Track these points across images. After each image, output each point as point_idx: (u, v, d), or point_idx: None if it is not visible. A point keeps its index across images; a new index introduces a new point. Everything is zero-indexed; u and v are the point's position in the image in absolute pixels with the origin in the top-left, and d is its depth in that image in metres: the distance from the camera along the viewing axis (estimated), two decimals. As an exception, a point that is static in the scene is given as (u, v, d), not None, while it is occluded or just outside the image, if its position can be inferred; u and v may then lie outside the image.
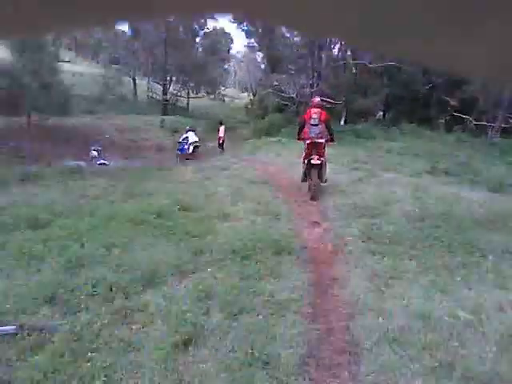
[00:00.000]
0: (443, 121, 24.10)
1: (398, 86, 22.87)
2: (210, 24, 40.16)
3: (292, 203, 8.11)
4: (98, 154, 16.60)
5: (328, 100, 21.01)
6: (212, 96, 41.23)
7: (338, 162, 11.69)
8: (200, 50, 39.85)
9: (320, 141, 8.09)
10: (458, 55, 0.28)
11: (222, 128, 16.93)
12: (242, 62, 55.00)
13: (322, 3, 0.26)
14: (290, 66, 27.13)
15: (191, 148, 16.15)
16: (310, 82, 23.81)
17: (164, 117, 29.45)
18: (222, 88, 45.96)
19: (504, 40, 0.26)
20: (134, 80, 35.50)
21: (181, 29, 36.61)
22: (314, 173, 8.07)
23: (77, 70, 37.34)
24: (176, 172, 11.60)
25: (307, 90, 23.26)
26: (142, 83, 38.82)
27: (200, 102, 41.56)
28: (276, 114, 25.06)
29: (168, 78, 36.28)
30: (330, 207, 7.76)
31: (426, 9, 0.25)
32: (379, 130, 20.44)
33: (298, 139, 8.62)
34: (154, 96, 36.92)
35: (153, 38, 35.29)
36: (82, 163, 13.34)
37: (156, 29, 34.27)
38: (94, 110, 30.02)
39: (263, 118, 25.40)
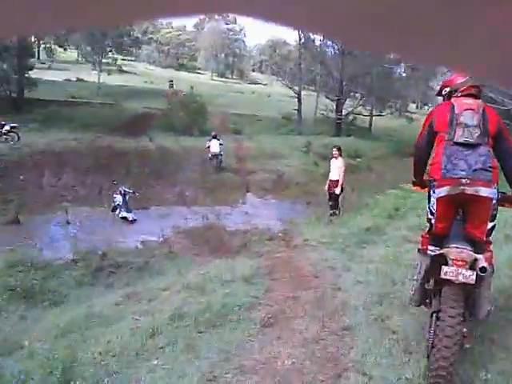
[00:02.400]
0: None
1: None
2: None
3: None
4: (123, 200, 13.22)
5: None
6: (397, 114, 36.19)
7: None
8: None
9: (483, 194, 3.38)
10: (459, 55, 0.30)
11: (336, 162, 10.50)
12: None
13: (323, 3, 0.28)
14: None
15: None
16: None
17: (326, 138, 26.02)
18: (426, 107, 40.64)
19: (503, 39, 0.28)
20: (299, 95, 32.97)
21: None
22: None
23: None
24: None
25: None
26: (308, 99, 36.22)
27: (384, 121, 37.02)
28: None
29: (342, 93, 32.74)
30: None
31: (428, 9, 0.27)
32: None
33: (416, 185, 4.28)
34: (326, 113, 33.78)
35: (325, 45, 32.55)
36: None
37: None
38: (243, 131, 28.55)
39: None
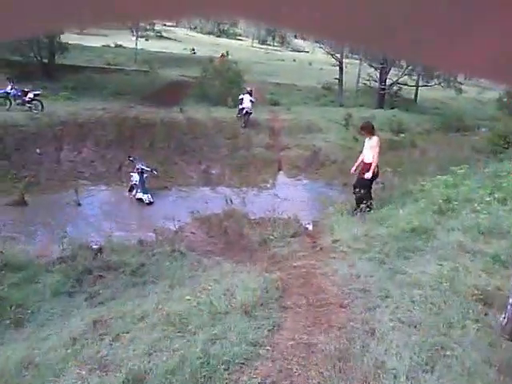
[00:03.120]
0: None
1: None
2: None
3: None
4: (140, 180, 11.81)
5: None
6: (445, 85, 33.37)
7: None
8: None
9: None
10: (458, 54, 0.30)
11: (369, 141, 8.61)
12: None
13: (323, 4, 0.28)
14: None
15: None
16: None
17: (355, 111, 23.99)
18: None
19: (501, 39, 0.28)
20: (341, 63, 30.69)
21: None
22: None
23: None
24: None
25: None
26: (351, 68, 33.87)
27: (431, 92, 34.35)
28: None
29: (386, 61, 30.24)
30: None
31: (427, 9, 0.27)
32: None
33: None
34: (369, 83, 31.45)
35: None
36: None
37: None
38: (281, 101, 26.80)
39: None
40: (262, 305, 4.38)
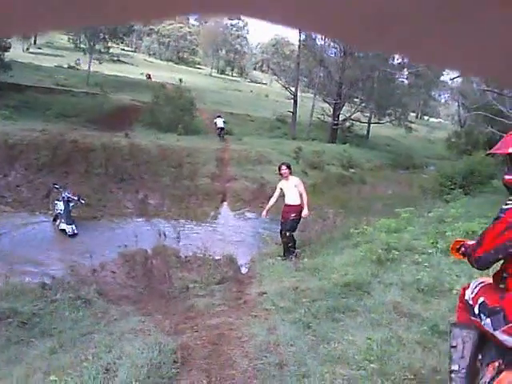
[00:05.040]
0: None
1: None
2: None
3: None
4: (65, 209, 10.64)
5: None
6: (396, 123, 33.78)
7: None
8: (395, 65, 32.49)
9: None
10: (457, 54, 0.30)
11: (288, 182, 8.10)
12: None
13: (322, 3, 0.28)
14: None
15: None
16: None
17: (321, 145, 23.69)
18: (426, 117, 38.70)
19: (499, 38, 0.28)
20: (295, 96, 30.51)
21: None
22: None
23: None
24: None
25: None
26: (306, 101, 33.91)
27: (382, 129, 34.70)
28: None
29: (340, 97, 30.28)
30: None
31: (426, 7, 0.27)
32: None
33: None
34: (322, 118, 31.37)
35: (327, 45, 30.11)
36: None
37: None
38: (233, 131, 26.21)
39: (470, 155, 17.54)
40: (149, 387, 3.45)
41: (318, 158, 21.79)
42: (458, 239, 2.93)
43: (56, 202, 10.92)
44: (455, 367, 2.52)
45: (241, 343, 4.41)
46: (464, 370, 2.49)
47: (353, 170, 23.16)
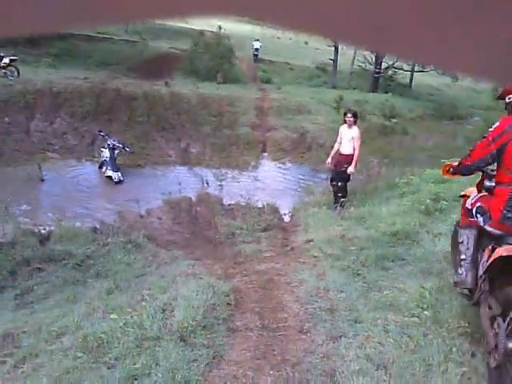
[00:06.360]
0: None
1: None
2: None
3: None
4: (111, 156, 10.87)
5: None
6: (441, 72, 32.36)
7: None
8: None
9: None
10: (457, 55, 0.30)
11: (349, 130, 7.75)
12: None
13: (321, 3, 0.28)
14: None
15: None
16: None
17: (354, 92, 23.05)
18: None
19: (498, 39, 0.28)
20: (336, 44, 29.49)
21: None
22: None
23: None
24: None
25: None
26: (345, 49, 32.73)
27: (426, 78, 33.35)
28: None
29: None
30: None
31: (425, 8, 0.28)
32: None
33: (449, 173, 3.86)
34: (364, 66, 30.37)
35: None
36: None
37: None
38: (272, 80, 25.73)
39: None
40: (204, 327, 3.55)
41: (359, 107, 21.23)
42: (447, 162, 3.88)
43: (102, 149, 11.12)
44: (463, 256, 3.43)
45: (291, 288, 4.47)
46: (470, 258, 3.39)
47: (395, 120, 22.49)
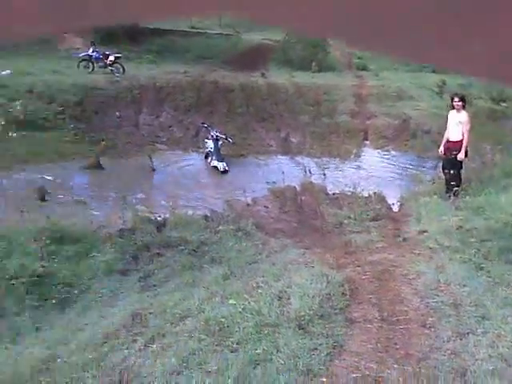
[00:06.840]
0: None
1: None
2: None
3: None
4: (215, 147, 11.06)
5: None
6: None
7: None
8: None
9: None
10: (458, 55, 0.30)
11: (458, 115, 7.41)
12: None
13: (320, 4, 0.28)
14: None
15: None
16: None
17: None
18: None
19: (499, 39, 0.28)
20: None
21: None
22: None
23: None
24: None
25: None
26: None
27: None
28: None
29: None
30: None
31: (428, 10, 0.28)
32: None
33: None
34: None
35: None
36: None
37: None
38: (369, 66, 24.97)
39: None
40: (321, 317, 3.54)
41: (464, 91, 19.95)
42: None
43: (206, 140, 11.50)
44: None
45: (408, 280, 4.32)
46: None
47: (505, 104, 20.86)
